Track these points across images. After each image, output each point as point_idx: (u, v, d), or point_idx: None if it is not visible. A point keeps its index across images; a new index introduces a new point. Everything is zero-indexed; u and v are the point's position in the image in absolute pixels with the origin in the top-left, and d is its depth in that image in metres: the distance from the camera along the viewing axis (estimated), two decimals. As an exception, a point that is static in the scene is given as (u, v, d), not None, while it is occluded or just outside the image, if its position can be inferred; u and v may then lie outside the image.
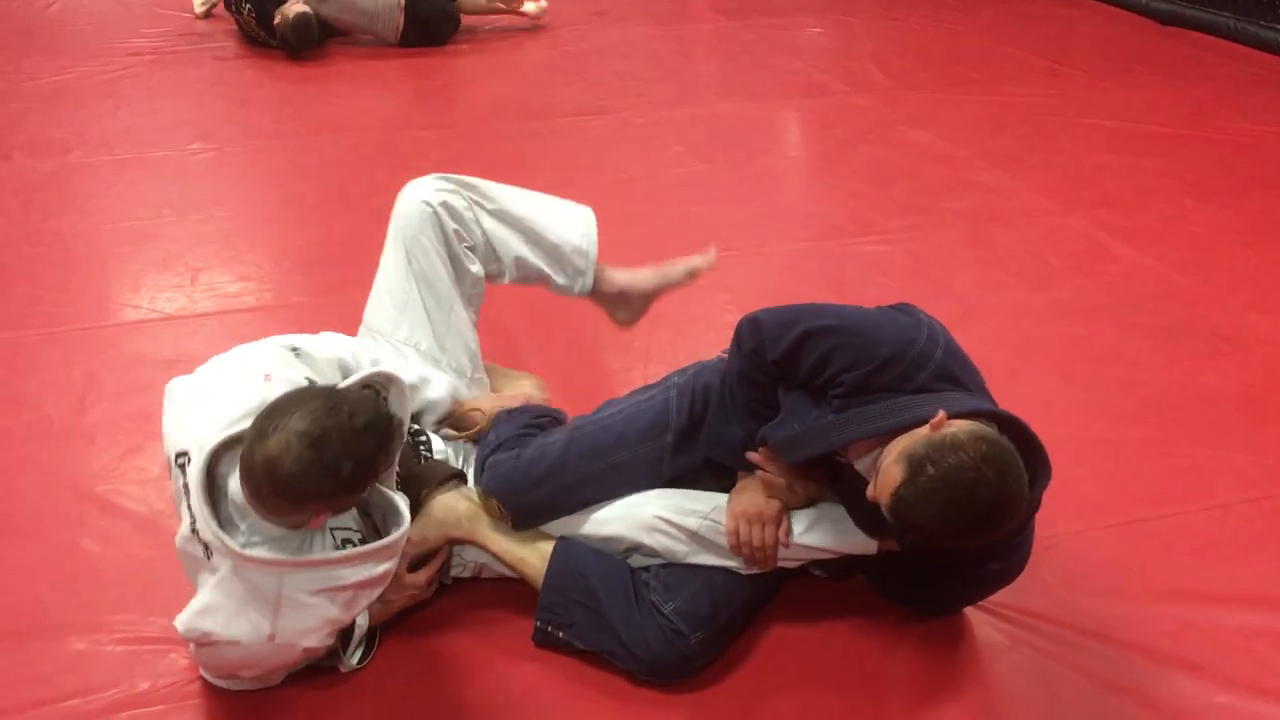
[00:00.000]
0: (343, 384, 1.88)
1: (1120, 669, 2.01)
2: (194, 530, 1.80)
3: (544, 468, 2.04)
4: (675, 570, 1.99)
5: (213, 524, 1.74)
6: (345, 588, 1.82)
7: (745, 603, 2.01)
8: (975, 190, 4.03)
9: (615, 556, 2.04)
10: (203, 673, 1.96)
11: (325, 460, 1.64)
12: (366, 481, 1.73)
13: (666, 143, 4.51)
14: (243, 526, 1.77)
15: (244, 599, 1.79)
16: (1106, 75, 5.23)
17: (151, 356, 2.98)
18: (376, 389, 1.91)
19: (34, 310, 3.19)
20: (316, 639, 1.85)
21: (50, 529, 2.35)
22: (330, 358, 2.03)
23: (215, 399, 1.86)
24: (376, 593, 1.88)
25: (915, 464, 1.65)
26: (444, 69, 5.38)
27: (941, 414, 1.71)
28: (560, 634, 1.99)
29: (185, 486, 1.80)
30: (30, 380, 2.87)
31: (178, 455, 1.84)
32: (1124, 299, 3.30)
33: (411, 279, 2.35)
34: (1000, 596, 2.10)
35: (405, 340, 2.32)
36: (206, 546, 1.80)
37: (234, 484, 1.75)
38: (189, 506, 1.79)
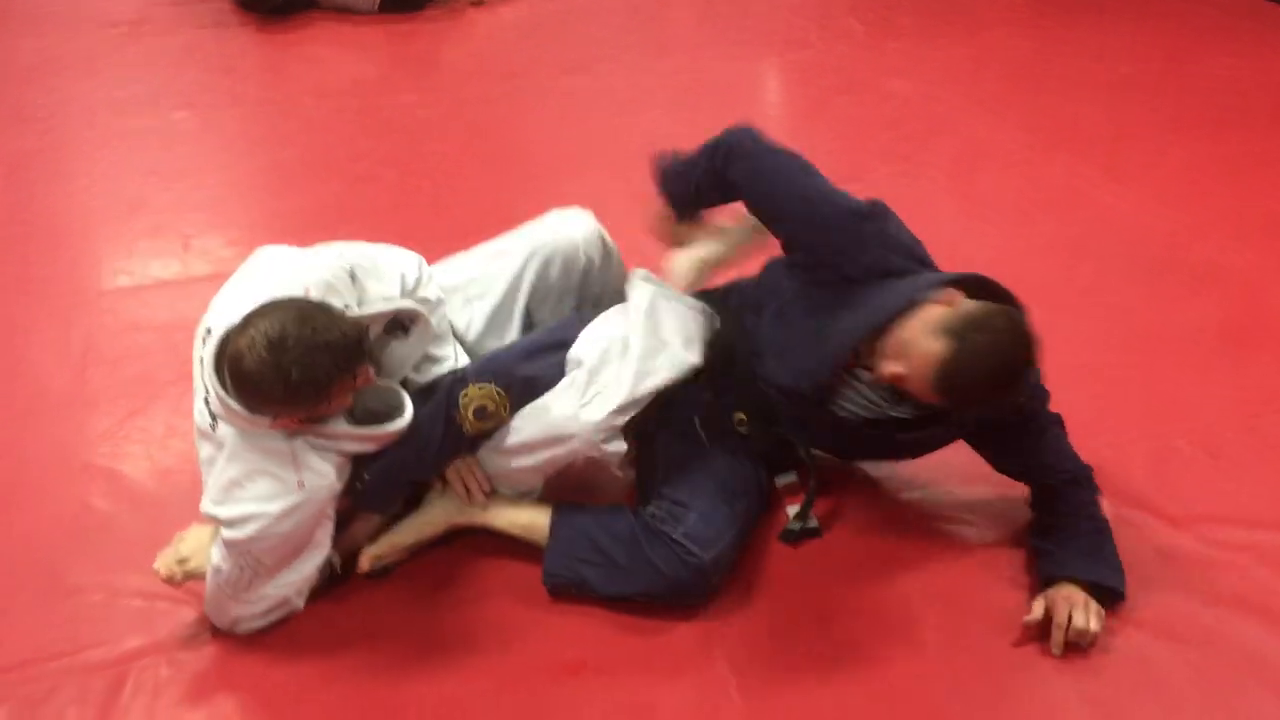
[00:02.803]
0: (369, 309, 1.95)
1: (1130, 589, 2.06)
2: (205, 402, 1.90)
3: (523, 346, 2.13)
4: (676, 499, 2.06)
5: (220, 390, 1.83)
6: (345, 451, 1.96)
7: (745, 516, 2.10)
8: (956, 137, 4.07)
9: (615, 508, 2.11)
10: (218, 614, 2.00)
11: (279, 365, 1.75)
12: (319, 394, 1.81)
13: (647, 98, 4.52)
14: None
15: (261, 460, 1.89)
16: (1084, 18, 5.25)
17: (147, 322, 3.00)
18: (403, 322, 2.02)
19: (28, 281, 3.20)
20: (339, 485, 1.96)
21: (59, 492, 2.38)
22: (383, 293, 2.05)
23: (252, 285, 1.92)
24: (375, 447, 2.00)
25: (958, 335, 1.84)
26: (423, 33, 5.36)
27: (954, 293, 1.91)
28: (573, 590, 2.06)
29: (201, 360, 1.89)
30: (29, 350, 2.89)
31: (204, 330, 1.91)
32: (1103, 237, 3.35)
33: (521, 288, 2.29)
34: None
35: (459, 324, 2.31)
36: (214, 418, 1.90)
37: None
38: (203, 380, 1.88)
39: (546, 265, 2.27)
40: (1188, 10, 5.32)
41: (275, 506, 1.88)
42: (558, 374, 2.08)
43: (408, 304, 2.04)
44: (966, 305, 1.91)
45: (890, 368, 1.89)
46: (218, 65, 5.00)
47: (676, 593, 2.02)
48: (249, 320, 1.80)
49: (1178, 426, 2.52)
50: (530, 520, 2.13)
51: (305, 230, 3.47)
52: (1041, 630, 1.97)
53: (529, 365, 2.08)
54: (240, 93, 4.69)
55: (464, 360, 2.17)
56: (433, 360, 2.13)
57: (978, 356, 1.83)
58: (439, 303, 2.18)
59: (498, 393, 2.05)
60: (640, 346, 2.05)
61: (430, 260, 2.38)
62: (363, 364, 1.88)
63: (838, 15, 5.38)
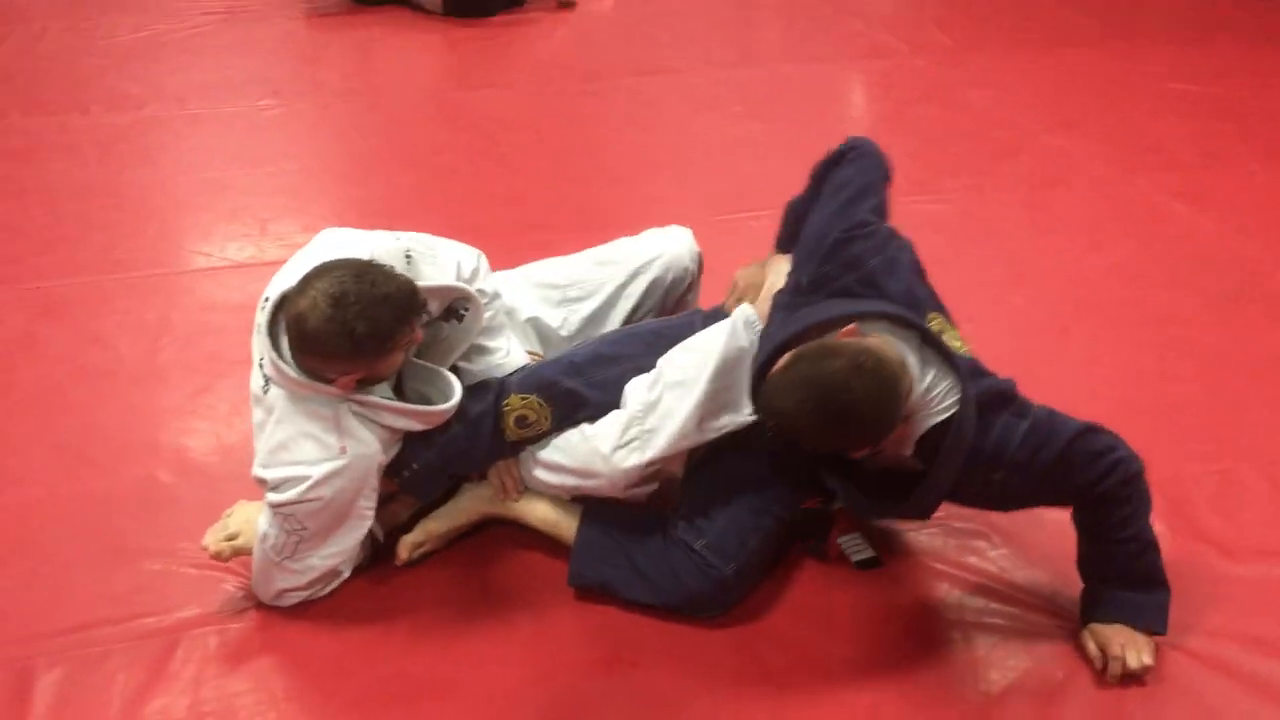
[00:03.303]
0: (426, 284, 1.99)
1: (1181, 616, 2.01)
2: (260, 366, 1.97)
3: (578, 357, 2.14)
4: (700, 510, 2.05)
5: (272, 353, 1.90)
6: (387, 425, 1.99)
7: (772, 535, 2.08)
8: (1035, 153, 4.01)
9: (644, 514, 2.11)
10: (264, 585, 2.05)
11: (342, 320, 1.81)
12: (382, 346, 1.86)
13: (726, 103, 4.53)
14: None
15: (306, 423, 1.94)
16: (1176, 39, 5.15)
17: (222, 302, 3.08)
18: (457, 309, 2.06)
19: (111, 257, 3.30)
20: (383, 458, 2.00)
21: (127, 461, 2.46)
22: (439, 280, 2.08)
23: (308, 259, 1.98)
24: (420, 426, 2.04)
25: (793, 359, 1.77)
26: (501, 34, 5.39)
27: (852, 326, 1.82)
28: (596, 591, 2.08)
29: (258, 325, 1.96)
30: (106, 323, 2.98)
31: (263, 299, 1.98)
32: (1182, 262, 3.29)
33: (622, 300, 2.31)
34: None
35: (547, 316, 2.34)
36: (267, 380, 1.96)
37: None
38: (258, 344, 1.95)
39: (654, 283, 2.30)
40: (1283, 32, 5.19)
41: (318, 471, 1.93)
42: (609, 390, 2.09)
43: (462, 285, 2.08)
44: (831, 341, 1.80)
45: None
46: (306, 55, 5.12)
47: (696, 604, 2.02)
48: (307, 281, 1.86)
49: (1245, 458, 2.46)
50: (559, 519, 2.15)
51: (380, 217, 3.54)
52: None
53: (577, 378, 2.09)
54: (324, 82, 4.79)
55: (517, 354, 2.19)
56: (483, 351, 2.15)
57: (795, 380, 1.74)
58: (495, 296, 2.21)
59: (539, 403, 2.07)
60: (701, 399, 1.99)
61: (516, 260, 2.43)
62: (420, 316, 1.94)
63: (922, 26, 5.34)
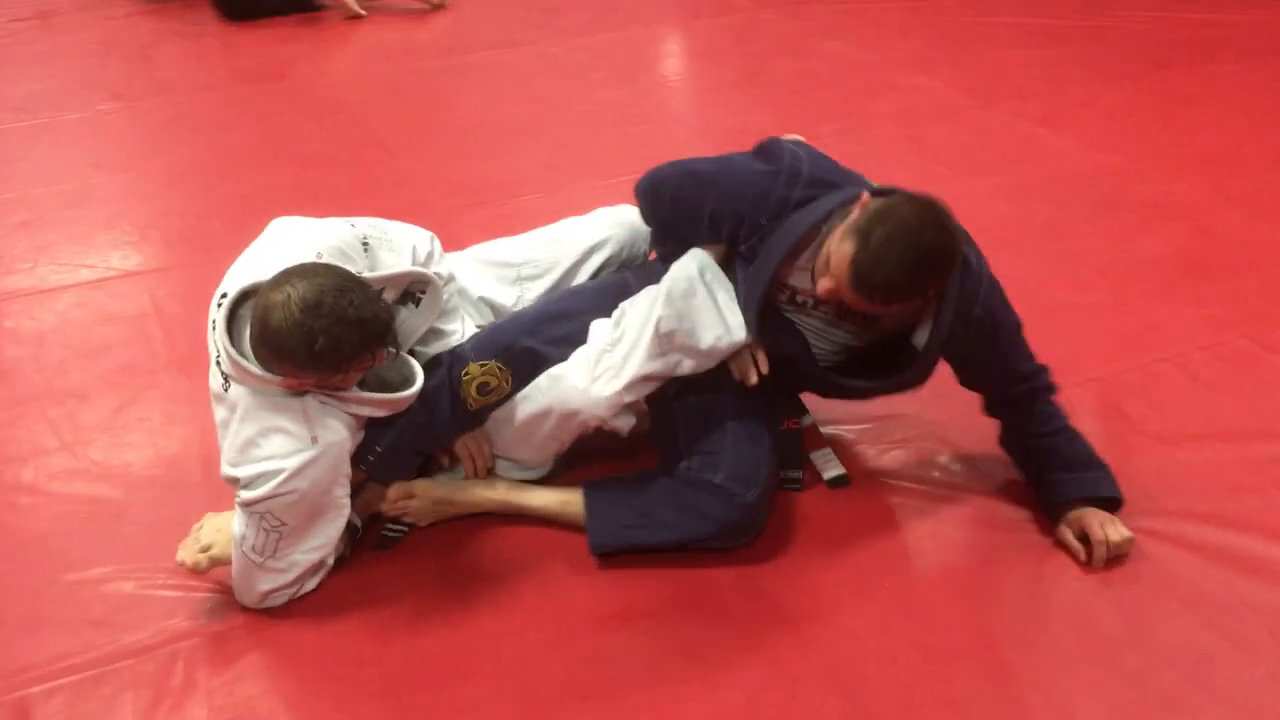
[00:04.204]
0: (384, 273, 1.96)
1: (1137, 501, 2.15)
2: (217, 363, 1.91)
3: (531, 315, 2.16)
4: (707, 449, 2.09)
5: (231, 350, 1.84)
6: (352, 413, 1.96)
7: (772, 452, 2.14)
8: (896, 92, 4.16)
9: (642, 474, 2.15)
10: (247, 590, 1.98)
11: (307, 328, 1.75)
12: (337, 367, 1.81)
13: (587, 69, 4.55)
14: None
15: (273, 416, 1.88)
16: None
17: (120, 313, 2.95)
18: (414, 293, 2.02)
19: (-15, 279, 3.11)
20: (351, 444, 1.96)
21: (67, 484, 2.33)
22: (395, 267, 2.05)
23: (266, 251, 1.94)
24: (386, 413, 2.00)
25: (863, 231, 1.82)
26: (331, 18, 5.27)
27: (864, 195, 1.91)
28: (621, 553, 2.09)
29: (213, 322, 1.89)
30: (5, 348, 2.81)
31: (220, 295, 1.91)
32: (1054, 180, 3.48)
33: (577, 276, 2.32)
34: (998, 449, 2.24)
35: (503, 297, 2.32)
36: (226, 379, 1.90)
37: None
38: (215, 342, 1.89)
39: (608, 260, 2.31)
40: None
41: (291, 462, 1.87)
42: (563, 346, 2.10)
43: (421, 270, 2.05)
44: (874, 203, 1.89)
45: (822, 284, 1.91)
46: (136, 55, 4.90)
47: (728, 534, 2.06)
48: (287, 276, 1.80)
49: (1154, 352, 2.63)
50: (563, 499, 2.15)
51: (266, 211, 3.39)
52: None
53: (532, 338, 2.10)
54: (166, 81, 4.60)
55: (470, 333, 2.17)
56: (439, 334, 2.13)
57: (884, 246, 1.80)
58: (449, 278, 2.18)
59: (499, 368, 2.07)
60: (656, 325, 2.03)
61: (449, 241, 2.38)
62: (384, 349, 1.87)
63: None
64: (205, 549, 2.02)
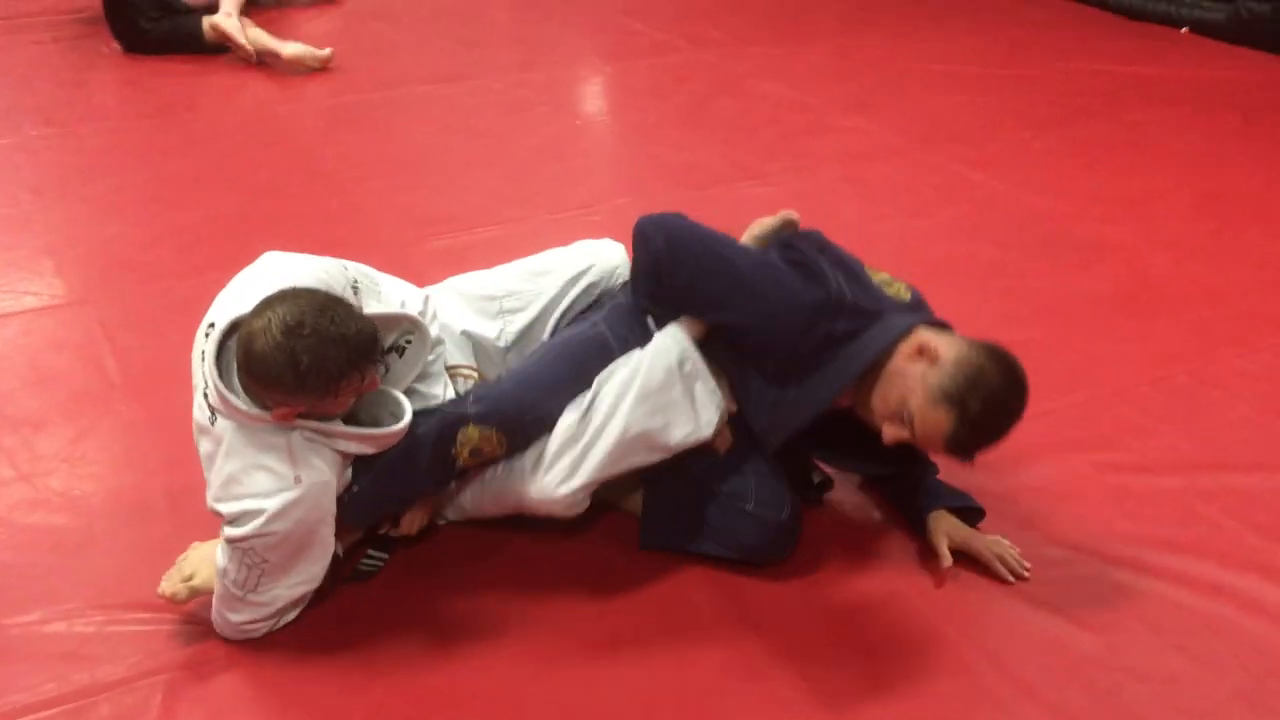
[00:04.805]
0: (371, 312, 1.94)
1: (1068, 534, 2.25)
2: (204, 396, 1.87)
3: (544, 379, 2.09)
4: (734, 467, 2.13)
5: (220, 384, 1.81)
6: (340, 450, 1.93)
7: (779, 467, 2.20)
8: (835, 133, 4.27)
9: (702, 477, 2.15)
10: (226, 623, 1.96)
11: (291, 350, 1.73)
12: (327, 387, 1.78)
13: (530, 104, 4.58)
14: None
15: (257, 454, 1.85)
16: (923, 23, 5.57)
17: (69, 340, 2.88)
18: (399, 343, 1.99)
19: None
20: (337, 484, 1.93)
21: (26, 514, 2.27)
22: (391, 300, 2.05)
23: (255, 282, 1.91)
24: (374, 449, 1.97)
25: (958, 401, 1.90)
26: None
27: (923, 336, 1.96)
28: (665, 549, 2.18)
29: (203, 354, 1.86)
30: (-56, 375, 2.73)
31: (207, 325, 1.88)
32: (993, 221, 3.60)
33: (558, 309, 2.30)
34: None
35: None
36: (213, 411, 1.86)
37: None
38: (203, 374, 1.85)
39: (587, 290, 2.30)
40: (1016, 13, 5.71)
41: (273, 503, 1.84)
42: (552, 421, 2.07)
43: (408, 314, 2.02)
44: (948, 356, 1.93)
45: (894, 433, 1.97)
46: (69, 80, 4.79)
47: (761, 556, 2.14)
48: (267, 303, 1.79)
49: (1099, 386, 2.74)
50: (615, 496, 2.22)
51: (215, 240, 3.39)
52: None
53: (539, 409, 2.04)
54: (103, 106, 4.52)
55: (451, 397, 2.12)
56: (420, 396, 2.08)
57: (983, 417, 1.92)
58: (438, 341, 2.15)
59: (497, 436, 2.03)
60: (626, 430, 2.01)
61: (408, 274, 2.36)
62: (374, 364, 1.87)
63: (696, 23, 5.53)
64: (188, 579, 1.99)
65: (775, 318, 1.98)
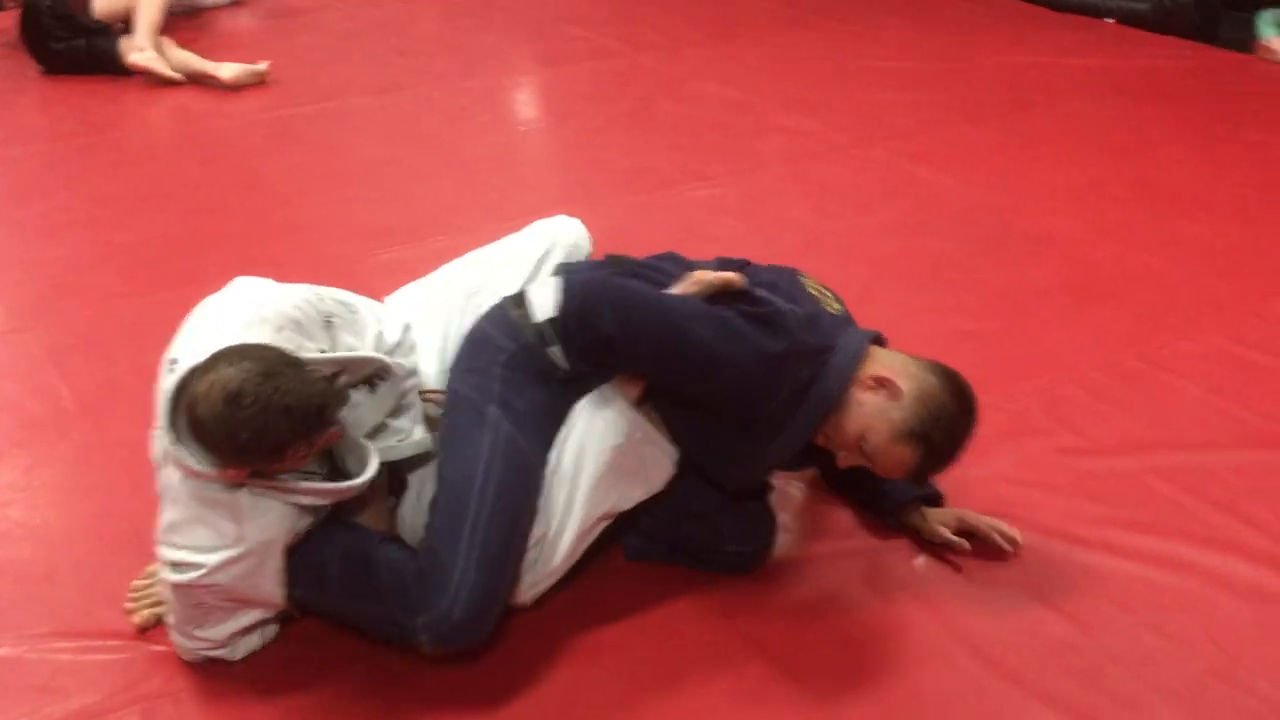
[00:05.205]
0: (341, 355, 1.86)
1: (1034, 519, 2.28)
2: (157, 436, 1.80)
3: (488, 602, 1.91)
4: (700, 520, 2.13)
5: (168, 441, 1.72)
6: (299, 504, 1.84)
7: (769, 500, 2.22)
8: (780, 133, 4.30)
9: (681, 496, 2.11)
10: (184, 648, 1.92)
11: (231, 420, 1.64)
12: (270, 457, 1.71)
13: (473, 113, 4.56)
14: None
15: (200, 508, 1.77)
16: (854, 21, 5.63)
17: (14, 368, 2.82)
18: (373, 377, 1.91)
19: None
20: (290, 533, 1.83)
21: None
22: (359, 351, 1.93)
23: (216, 316, 1.83)
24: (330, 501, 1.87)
25: (921, 437, 1.89)
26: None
27: (877, 365, 1.94)
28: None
29: (161, 390, 1.77)
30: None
31: (170, 360, 1.79)
32: (940, 215, 3.64)
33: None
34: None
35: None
36: (165, 451, 1.79)
37: None
38: (158, 413, 1.77)
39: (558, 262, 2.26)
40: (944, 9, 5.79)
41: (212, 559, 1.77)
42: None
43: (380, 358, 1.91)
44: (909, 391, 1.90)
45: (851, 460, 1.97)
46: (-10, 101, 4.68)
47: (751, 570, 2.15)
48: (213, 362, 1.68)
49: (1058, 375, 2.78)
50: None
51: (161, 260, 3.33)
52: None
53: (501, 597, 1.93)
54: (31, 128, 4.43)
55: (418, 434, 2.01)
56: (391, 430, 1.99)
57: (948, 446, 1.93)
58: (412, 371, 2.05)
59: None
60: (584, 522, 1.98)
61: (358, 287, 2.29)
62: (324, 432, 1.75)
63: (633, 27, 5.54)
64: (156, 605, 1.96)
65: (754, 392, 1.89)
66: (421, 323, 2.18)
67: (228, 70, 4.74)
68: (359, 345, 1.95)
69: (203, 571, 1.78)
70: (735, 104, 4.57)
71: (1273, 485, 2.38)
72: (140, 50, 4.72)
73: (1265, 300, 3.11)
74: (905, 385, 1.91)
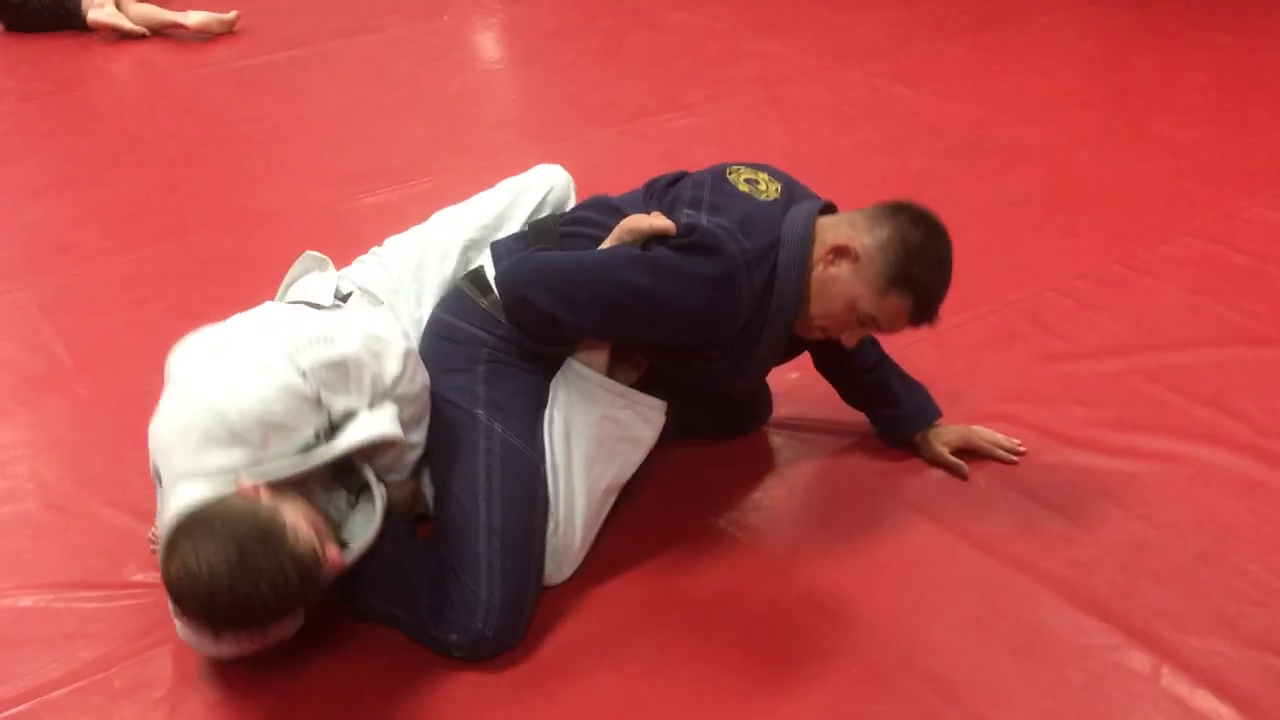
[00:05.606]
0: (343, 447, 1.78)
1: (1026, 423, 2.34)
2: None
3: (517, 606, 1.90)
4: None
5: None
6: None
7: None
8: (753, 58, 4.30)
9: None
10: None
11: (209, 612, 1.61)
12: (256, 636, 1.72)
13: (444, 52, 4.53)
14: None
15: None
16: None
17: (9, 328, 2.83)
18: (361, 473, 1.85)
19: None
20: None
21: (1, 504, 2.25)
22: (357, 437, 1.80)
23: (188, 433, 1.73)
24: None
25: (902, 280, 1.87)
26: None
27: (828, 236, 1.91)
28: None
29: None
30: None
31: (154, 469, 1.80)
32: (918, 132, 3.67)
33: (543, 211, 2.24)
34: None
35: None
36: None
37: None
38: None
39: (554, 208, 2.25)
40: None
41: None
42: None
43: (391, 434, 1.81)
44: (868, 244, 1.88)
45: (855, 335, 1.96)
46: (-48, 64, 4.62)
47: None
48: (176, 539, 1.60)
49: (1042, 283, 2.83)
50: None
51: (143, 215, 3.32)
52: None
53: (530, 601, 1.93)
54: (2, 88, 4.36)
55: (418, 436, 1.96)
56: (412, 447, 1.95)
57: (935, 276, 1.91)
58: (422, 390, 1.93)
59: None
60: (591, 494, 1.97)
61: (331, 247, 2.24)
62: (307, 602, 1.71)
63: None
64: None
65: (705, 324, 1.87)
66: (421, 276, 2.15)
67: (194, 17, 4.70)
68: (358, 402, 1.81)
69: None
70: (705, 30, 4.57)
71: (1254, 379, 2.45)
72: (100, 7, 4.66)
73: (1239, 200, 3.16)
74: (864, 242, 1.88)
